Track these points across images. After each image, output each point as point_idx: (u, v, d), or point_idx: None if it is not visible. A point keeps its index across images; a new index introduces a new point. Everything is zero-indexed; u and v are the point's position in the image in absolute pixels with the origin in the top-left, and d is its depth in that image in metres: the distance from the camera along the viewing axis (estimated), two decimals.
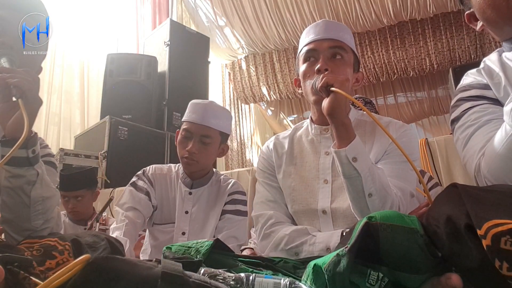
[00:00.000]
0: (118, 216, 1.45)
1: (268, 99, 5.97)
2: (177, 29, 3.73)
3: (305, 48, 1.12)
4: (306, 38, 1.14)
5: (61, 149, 2.95)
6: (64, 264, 0.68)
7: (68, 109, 4.02)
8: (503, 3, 0.81)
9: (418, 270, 0.58)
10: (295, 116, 6.18)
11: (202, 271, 0.61)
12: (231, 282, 0.59)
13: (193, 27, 4.89)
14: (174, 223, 1.51)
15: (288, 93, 5.74)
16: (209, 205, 1.56)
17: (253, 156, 6.03)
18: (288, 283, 0.59)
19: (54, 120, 3.87)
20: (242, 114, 6.25)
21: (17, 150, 0.77)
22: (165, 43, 3.60)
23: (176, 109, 3.51)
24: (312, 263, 0.65)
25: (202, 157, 1.49)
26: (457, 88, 0.96)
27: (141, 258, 1.56)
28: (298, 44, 1.21)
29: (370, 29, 5.07)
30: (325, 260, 0.62)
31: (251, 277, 0.60)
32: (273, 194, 1.16)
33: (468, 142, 0.85)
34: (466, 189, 0.57)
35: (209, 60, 3.96)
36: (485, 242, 0.49)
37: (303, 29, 1.19)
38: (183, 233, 1.49)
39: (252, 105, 6.34)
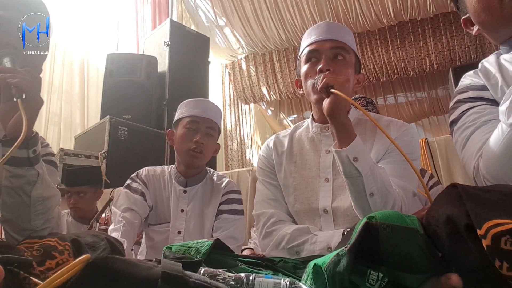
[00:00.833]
0: (116, 217, 1.46)
1: (268, 99, 5.97)
2: (177, 29, 3.72)
3: (307, 49, 1.12)
4: (308, 39, 1.14)
5: (61, 149, 2.94)
6: (64, 264, 0.68)
7: (68, 109, 4.02)
8: (497, 6, 0.82)
9: (418, 270, 0.58)
10: (295, 116, 6.18)
11: (202, 271, 0.61)
12: (231, 282, 0.59)
13: (193, 27, 4.90)
14: (169, 222, 1.52)
15: (288, 93, 5.74)
16: (204, 202, 1.57)
17: (253, 156, 6.03)
18: (288, 283, 0.59)
19: (54, 120, 3.87)
20: (242, 114, 6.25)
21: (18, 150, 0.77)
22: (165, 43, 3.60)
23: (176, 109, 3.49)
24: (312, 263, 0.65)
25: (207, 150, 1.53)
26: (455, 90, 0.96)
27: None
28: (298, 44, 1.21)
29: (370, 29, 5.08)
30: (325, 260, 0.62)
31: (251, 277, 0.60)
32: (274, 193, 1.16)
33: (466, 143, 0.86)
34: (466, 189, 0.57)
35: (209, 60, 3.96)
36: (485, 242, 0.49)
37: (303, 29, 1.20)
38: (179, 232, 1.50)
39: (252, 105, 6.34)
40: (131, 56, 3.70)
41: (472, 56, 4.64)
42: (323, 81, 0.94)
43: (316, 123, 1.17)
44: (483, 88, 0.88)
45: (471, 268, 0.53)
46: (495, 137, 0.75)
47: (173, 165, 1.63)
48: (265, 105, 6.34)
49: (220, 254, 0.81)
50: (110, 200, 1.93)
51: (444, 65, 4.82)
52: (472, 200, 0.54)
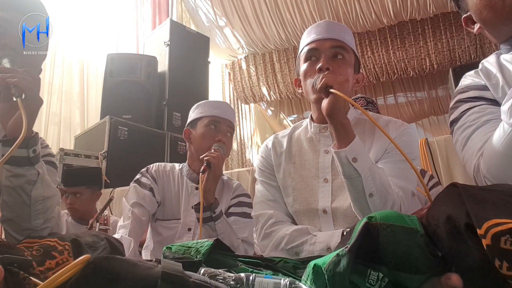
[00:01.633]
0: (125, 211, 1.49)
1: (268, 99, 5.97)
2: (177, 29, 3.73)
3: (307, 48, 1.12)
4: (307, 37, 1.14)
5: (61, 149, 2.94)
6: (64, 264, 0.68)
7: (68, 109, 4.02)
8: (499, 2, 0.82)
9: (418, 270, 0.58)
10: (295, 116, 6.18)
11: (202, 271, 0.61)
12: (231, 282, 0.59)
13: (193, 27, 4.90)
14: (179, 219, 1.53)
15: (288, 93, 5.74)
16: None
17: (253, 156, 6.02)
18: (288, 283, 0.59)
19: (54, 120, 3.87)
20: (242, 114, 6.25)
21: (18, 149, 0.77)
22: (165, 43, 3.60)
23: (176, 109, 3.51)
24: (312, 263, 0.65)
25: (227, 149, 1.55)
26: (455, 90, 0.96)
27: (143, 254, 1.58)
28: (298, 44, 1.21)
29: (370, 29, 5.07)
30: (325, 260, 0.62)
31: (251, 277, 0.60)
32: (273, 194, 1.16)
33: (467, 142, 0.86)
34: (466, 189, 0.57)
35: (209, 60, 3.96)
36: (485, 242, 0.49)
37: (303, 29, 1.20)
38: (189, 229, 1.51)
39: (252, 105, 6.34)
40: (131, 56, 3.70)
41: (472, 56, 4.64)
42: (322, 81, 0.93)
43: (314, 123, 1.17)
44: (484, 88, 0.88)
45: (471, 267, 0.53)
46: (497, 136, 0.75)
47: (184, 163, 1.64)
48: (265, 105, 6.34)
49: (220, 254, 0.81)
50: (110, 200, 1.93)
51: (444, 65, 4.82)
52: (472, 200, 0.54)
